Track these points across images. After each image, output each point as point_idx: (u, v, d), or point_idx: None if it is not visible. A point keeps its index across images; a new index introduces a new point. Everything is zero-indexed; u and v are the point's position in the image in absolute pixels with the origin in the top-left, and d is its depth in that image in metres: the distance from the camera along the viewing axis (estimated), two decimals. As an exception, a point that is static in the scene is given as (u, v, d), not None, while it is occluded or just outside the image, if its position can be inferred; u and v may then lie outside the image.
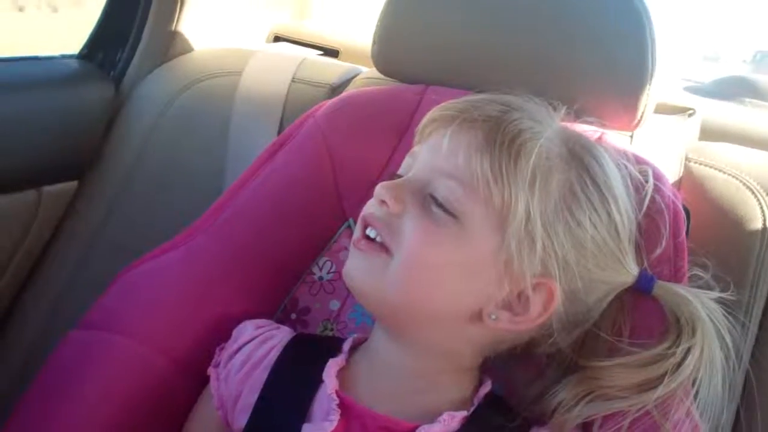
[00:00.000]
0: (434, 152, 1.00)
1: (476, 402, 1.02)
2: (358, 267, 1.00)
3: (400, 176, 1.04)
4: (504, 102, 1.02)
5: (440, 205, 0.96)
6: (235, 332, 1.12)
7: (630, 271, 1.02)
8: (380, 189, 0.99)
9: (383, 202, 0.98)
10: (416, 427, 0.97)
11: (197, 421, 1.12)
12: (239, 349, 1.10)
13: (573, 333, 1.02)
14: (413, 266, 0.96)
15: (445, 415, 0.98)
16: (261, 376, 1.06)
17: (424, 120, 1.05)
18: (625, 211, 1.01)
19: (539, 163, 0.95)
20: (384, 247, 0.98)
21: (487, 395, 1.04)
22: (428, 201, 0.97)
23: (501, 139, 0.95)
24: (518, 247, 0.95)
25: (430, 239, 0.96)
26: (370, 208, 1.01)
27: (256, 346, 1.09)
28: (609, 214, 0.99)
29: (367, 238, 0.99)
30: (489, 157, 0.95)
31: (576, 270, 0.97)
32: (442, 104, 1.04)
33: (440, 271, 0.97)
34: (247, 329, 1.12)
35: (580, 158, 0.99)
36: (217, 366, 1.11)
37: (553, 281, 0.96)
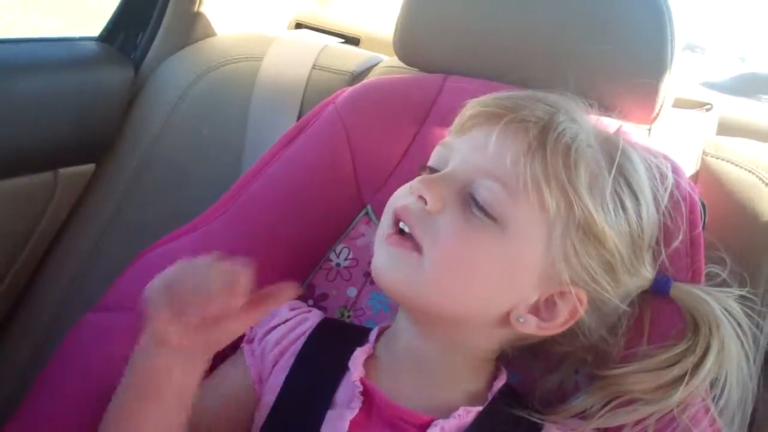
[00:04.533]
0: (478, 150, 0.99)
1: (490, 396, 1.02)
2: (388, 264, 0.99)
3: (430, 168, 1.03)
4: (548, 102, 1.01)
5: (481, 208, 0.95)
6: (273, 312, 1.12)
7: (647, 275, 1.02)
8: (419, 184, 0.97)
9: (421, 197, 0.97)
10: (432, 421, 0.98)
11: (229, 389, 1.09)
12: (274, 327, 1.10)
13: (593, 334, 1.02)
14: (449, 268, 0.96)
15: (461, 410, 0.98)
16: (290, 360, 1.07)
17: (466, 112, 1.03)
18: (652, 215, 1.02)
19: (590, 168, 0.95)
20: (415, 244, 0.96)
21: (502, 388, 1.04)
22: (468, 201, 0.96)
23: (553, 144, 0.94)
24: (560, 252, 0.95)
25: (469, 242, 0.95)
26: (404, 199, 1.00)
27: (290, 328, 1.10)
28: (639, 218, 0.99)
29: (399, 232, 0.98)
30: (541, 160, 0.94)
31: (607, 277, 0.97)
32: (484, 99, 1.03)
33: (477, 274, 0.96)
34: (282, 309, 1.12)
35: (618, 162, 0.98)
36: (250, 342, 1.10)
37: (581, 289, 0.97)
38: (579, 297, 0.97)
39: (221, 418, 1.06)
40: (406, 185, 1.03)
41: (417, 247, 0.96)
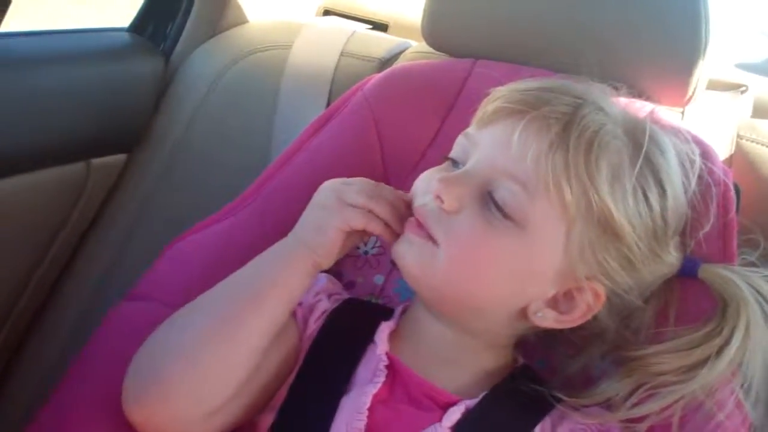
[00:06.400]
0: (499, 147, 0.97)
1: (507, 372, 1.03)
2: (405, 249, 0.99)
3: (451, 160, 1.02)
4: (573, 93, 0.99)
5: (500, 209, 0.94)
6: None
7: (673, 262, 1.01)
8: (438, 183, 0.96)
9: (438, 197, 0.96)
10: (458, 401, 0.98)
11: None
12: (320, 294, 1.11)
13: (613, 324, 1.02)
14: (465, 266, 0.95)
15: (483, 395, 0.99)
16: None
17: (488, 106, 1.02)
18: (680, 204, 1.01)
19: (613, 162, 0.94)
20: (431, 237, 0.96)
21: (518, 369, 1.05)
22: (487, 200, 0.95)
23: (576, 141, 0.93)
24: (577, 249, 0.94)
25: (486, 242, 0.94)
26: (422, 197, 0.99)
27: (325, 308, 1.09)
28: (663, 209, 0.97)
29: (420, 222, 0.98)
30: (562, 158, 0.92)
31: (625, 271, 0.96)
32: (507, 92, 1.01)
33: (493, 272, 0.96)
34: (322, 280, 1.13)
35: (645, 152, 0.96)
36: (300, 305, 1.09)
37: (600, 284, 0.96)
38: (597, 291, 0.96)
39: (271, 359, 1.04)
40: (427, 173, 1.03)
41: (433, 239, 0.96)
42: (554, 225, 0.93)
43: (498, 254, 0.95)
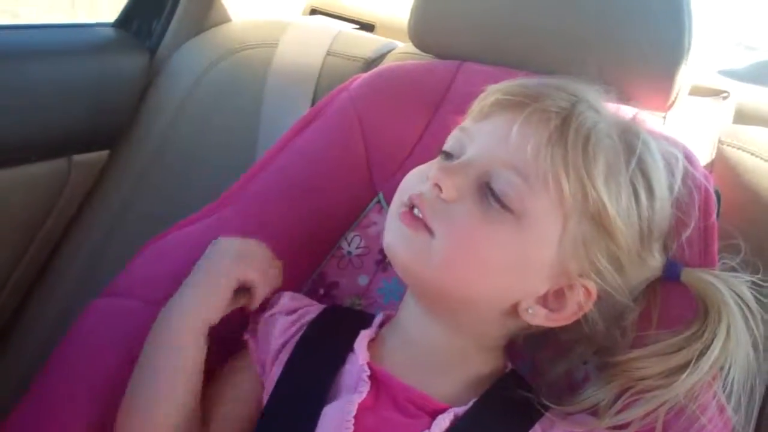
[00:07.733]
0: (498, 140, 0.97)
1: (496, 378, 1.03)
2: (399, 241, 0.98)
3: (446, 153, 1.02)
4: (569, 91, 0.99)
5: (498, 199, 0.94)
6: (272, 300, 1.12)
7: (656, 265, 1.02)
8: (437, 172, 0.96)
9: (437, 185, 0.96)
10: (446, 408, 0.98)
11: (232, 386, 1.10)
12: (273, 316, 1.10)
13: (600, 325, 1.02)
14: (461, 256, 0.95)
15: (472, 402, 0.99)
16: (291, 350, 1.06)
17: (488, 98, 1.02)
18: (666, 207, 1.02)
19: (608, 159, 0.95)
20: (426, 227, 0.96)
21: (505, 374, 1.04)
22: (485, 191, 0.95)
23: (574, 135, 0.93)
24: (571, 245, 0.95)
25: (483, 232, 0.94)
26: (419, 186, 0.99)
27: (292, 322, 1.09)
28: (652, 211, 0.98)
29: (413, 210, 0.97)
30: (561, 151, 0.93)
31: (615, 270, 0.97)
32: (507, 86, 1.01)
33: (488, 264, 0.95)
34: (283, 298, 1.12)
35: (638, 154, 0.97)
36: (254, 333, 1.10)
37: (591, 282, 0.96)
38: (588, 289, 0.97)
39: (237, 419, 1.07)
40: (420, 167, 1.03)
41: (429, 230, 0.95)
42: (551, 217, 0.94)
43: (494, 245, 0.94)
